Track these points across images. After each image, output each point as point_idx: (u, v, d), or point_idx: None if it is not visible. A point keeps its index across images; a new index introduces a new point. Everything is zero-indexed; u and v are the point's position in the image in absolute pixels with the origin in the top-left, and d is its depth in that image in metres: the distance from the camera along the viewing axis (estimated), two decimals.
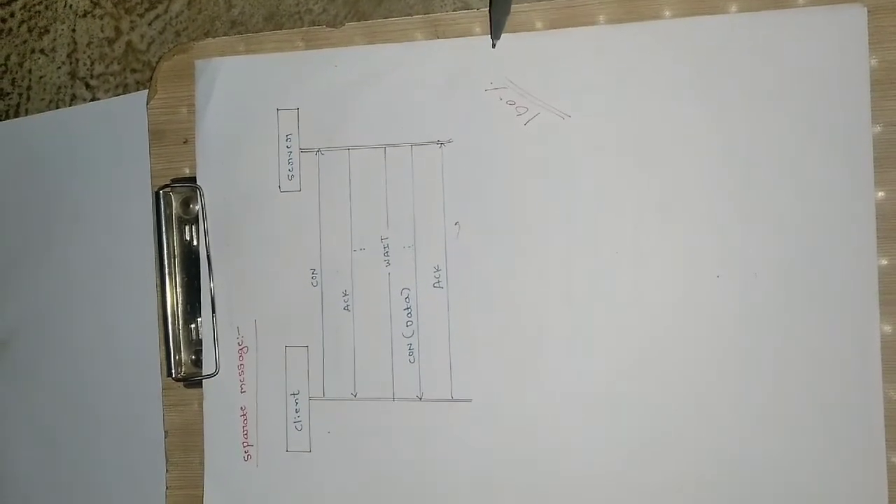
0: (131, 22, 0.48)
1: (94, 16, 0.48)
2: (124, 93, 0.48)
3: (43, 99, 0.49)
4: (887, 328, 0.38)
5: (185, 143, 0.45)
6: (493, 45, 0.41)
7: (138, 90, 0.47)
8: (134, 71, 0.48)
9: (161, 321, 0.45)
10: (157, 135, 0.46)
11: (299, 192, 0.44)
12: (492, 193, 0.41)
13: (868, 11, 0.38)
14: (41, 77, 0.49)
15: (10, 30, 0.50)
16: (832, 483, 0.38)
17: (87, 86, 0.48)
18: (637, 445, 0.40)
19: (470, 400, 0.41)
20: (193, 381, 0.45)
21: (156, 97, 0.45)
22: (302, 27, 0.45)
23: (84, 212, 0.48)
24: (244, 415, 0.44)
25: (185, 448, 0.45)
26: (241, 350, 0.44)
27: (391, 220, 0.42)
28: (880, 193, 0.38)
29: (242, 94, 0.44)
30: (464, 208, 0.42)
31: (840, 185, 0.38)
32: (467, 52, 0.41)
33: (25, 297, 0.49)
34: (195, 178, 0.45)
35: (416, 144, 0.42)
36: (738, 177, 0.39)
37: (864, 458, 0.38)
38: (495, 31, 0.41)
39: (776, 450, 0.38)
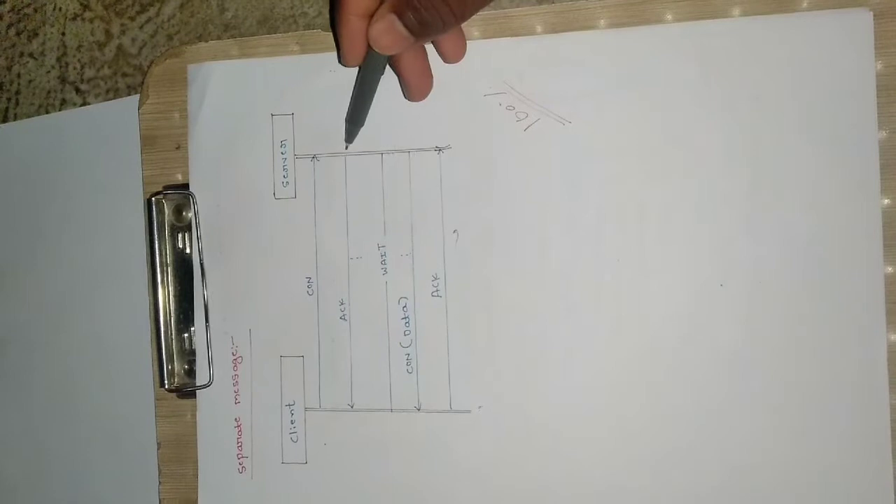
0: (122, 25, 0.47)
1: (83, 19, 0.47)
2: (115, 97, 0.47)
3: (32, 104, 0.48)
4: (893, 336, 0.37)
5: (177, 149, 0.44)
6: (346, 148, 0.42)
7: (129, 95, 0.46)
8: (125, 75, 0.47)
9: (153, 330, 0.44)
10: (148, 140, 0.45)
11: (294, 198, 0.43)
12: (491, 200, 0.41)
13: (874, 15, 0.37)
14: (30, 81, 0.48)
15: None
16: (838, 491, 0.38)
17: (78, 90, 0.48)
18: (641, 456, 0.39)
19: (469, 411, 0.41)
20: (187, 391, 0.44)
21: (147, 102, 0.45)
22: (297, 31, 0.44)
23: (75, 219, 0.47)
24: (238, 426, 0.43)
25: (178, 460, 0.44)
26: (236, 360, 0.43)
27: (388, 227, 0.42)
28: (886, 200, 0.37)
29: (236, 99, 0.43)
30: (462, 216, 0.41)
31: (845, 191, 0.38)
32: (465, 57, 0.41)
33: (15, 305, 0.48)
34: (188, 184, 0.44)
35: (413, 150, 0.41)
36: (742, 184, 0.38)
37: (871, 467, 0.37)
38: (350, 137, 0.42)
39: (781, 458, 0.38)
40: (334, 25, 0.40)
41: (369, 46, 0.36)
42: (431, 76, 0.40)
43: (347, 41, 0.37)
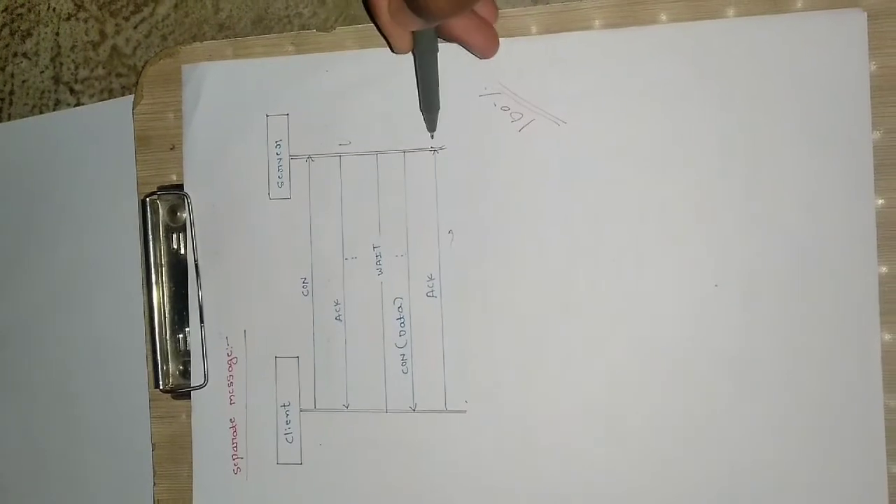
0: (116, 25, 0.47)
1: (78, 19, 0.47)
2: (109, 98, 0.47)
3: (26, 104, 0.48)
4: (887, 336, 0.37)
5: (172, 149, 0.44)
6: (432, 137, 0.41)
7: (124, 95, 0.46)
8: (119, 75, 0.47)
9: (148, 331, 0.44)
10: (143, 141, 0.45)
11: (289, 199, 0.43)
12: (486, 201, 0.41)
13: (868, 16, 0.37)
14: (24, 81, 0.48)
15: None
16: (832, 493, 0.38)
17: (72, 90, 0.47)
18: (637, 456, 0.39)
19: (464, 411, 0.41)
20: (181, 392, 0.44)
21: (142, 102, 0.44)
22: (291, 31, 0.44)
23: (69, 220, 0.47)
24: (233, 427, 0.43)
25: (173, 461, 0.44)
26: (231, 361, 0.43)
27: (383, 228, 0.42)
28: (880, 200, 0.37)
29: (231, 99, 0.43)
30: (457, 216, 0.41)
31: (840, 191, 0.38)
32: (460, 57, 0.41)
33: (9, 306, 0.48)
34: (182, 185, 0.44)
35: (408, 151, 0.41)
36: (736, 184, 0.38)
37: (865, 469, 0.37)
38: (431, 126, 0.41)
39: (774, 459, 0.38)
40: (373, 19, 0.40)
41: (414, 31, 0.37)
42: (490, 27, 0.39)
43: (389, 30, 0.38)
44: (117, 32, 0.47)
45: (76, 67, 0.47)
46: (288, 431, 0.43)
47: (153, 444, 0.44)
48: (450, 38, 0.39)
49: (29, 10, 0.48)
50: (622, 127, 0.39)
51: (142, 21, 0.46)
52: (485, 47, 0.39)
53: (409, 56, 0.40)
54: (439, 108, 0.40)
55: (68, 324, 0.47)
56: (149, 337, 0.44)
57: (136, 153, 0.45)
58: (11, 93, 0.48)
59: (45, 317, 0.47)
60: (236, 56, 0.43)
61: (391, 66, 0.41)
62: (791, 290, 0.38)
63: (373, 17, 0.38)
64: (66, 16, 0.47)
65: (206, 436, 0.43)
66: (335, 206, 0.42)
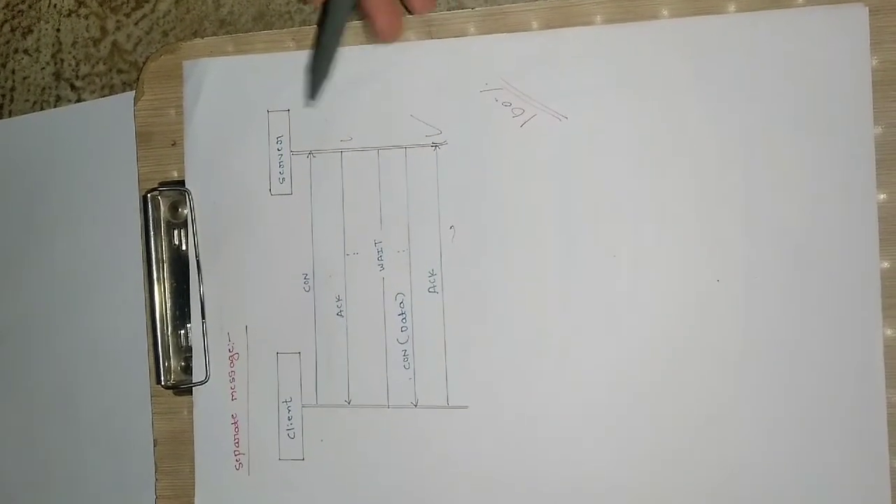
0: (117, 21, 0.47)
1: (79, 15, 0.47)
2: (110, 94, 0.47)
3: (27, 100, 0.48)
4: (889, 332, 0.37)
5: (173, 145, 0.44)
6: (310, 104, 0.41)
7: (125, 91, 0.46)
8: (120, 72, 0.47)
9: (150, 327, 0.44)
10: (144, 137, 0.45)
11: (291, 195, 0.43)
12: (487, 196, 0.41)
13: (869, 11, 0.37)
14: (25, 78, 0.48)
15: None
16: (834, 488, 0.38)
17: (73, 87, 0.47)
18: (638, 452, 0.39)
19: (466, 407, 0.41)
20: (183, 388, 0.44)
21: (143, 98, 0.44)
22: (292, 27, 0.44)
23: (70, 216, 0.47)
24: (235, 422, 0.43)
25: (174, 457, 0.44)
26: (232, 356, 0.43)
27: (385, 223, 0.42)
28: (882, 195, 0.37)
29: (232, 95, 0.43)
30: (459, 212, 0.41)
31: (841, 187, 0.38)
32: (461, 53, 0.41)
33: (9, 302, 0.48)
34: (184, 181, 0.44)
35: (409, 146, 0.41)
36: (738, 179, 0.38)
37: (867, 463, 0.37)
38: (313, 91, 0.41)
39: (776, 454, 0.38)
40: None
41: None
42: (400, 14, 0.39)
43: None
44: (118, 28, 0.47)
45: (77, 64, 0.47)
46: (290, 427, 0.43)
47: (154, 440, 0.44)
48: (359, 10, 0.39)
49: (30, 7, 0.48)
50: (623, 122, 0.39)
51: (143, 17, 0.46)
52: (384, 30, 0.39)
53: (409, 55, 0.40)
54: (326, 76, 0.39)
55: (69, 320, 0.47)
56: (150, 333, 0.44)
57: (137, 149, 0.45)
58: (12, 89, 0.48)
59: (45, 313, 0.47)
60: (237, 52, 0.43)
61: (392, 62, 0.41)
62: (792, 286, 0.38)
63: None
64: (67, 12, 0.47)
65: (208, 432, 0.43)
66: (336, 201, 0.42)
